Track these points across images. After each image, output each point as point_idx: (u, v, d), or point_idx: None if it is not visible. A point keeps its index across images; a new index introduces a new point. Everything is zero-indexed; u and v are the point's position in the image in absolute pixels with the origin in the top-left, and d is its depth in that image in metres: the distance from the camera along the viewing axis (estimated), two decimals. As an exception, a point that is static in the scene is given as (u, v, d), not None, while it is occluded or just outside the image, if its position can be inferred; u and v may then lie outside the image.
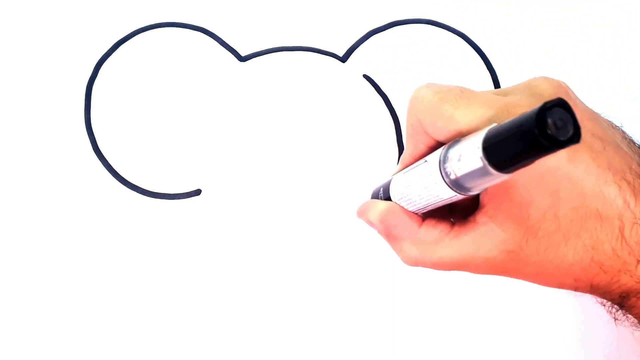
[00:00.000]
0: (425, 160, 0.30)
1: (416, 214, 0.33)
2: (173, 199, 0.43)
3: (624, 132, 0.34)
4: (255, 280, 0.42)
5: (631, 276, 0.30)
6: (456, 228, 0.32)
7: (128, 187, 0.43)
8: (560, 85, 0.32)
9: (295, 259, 0.42)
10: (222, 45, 0.47)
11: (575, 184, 0.29)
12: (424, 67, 0.47)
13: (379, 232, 0.35)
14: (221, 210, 0.43)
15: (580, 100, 0.33)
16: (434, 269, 0.33)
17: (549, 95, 0.31)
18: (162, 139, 0.44)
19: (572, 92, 0.33)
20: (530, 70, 0.47)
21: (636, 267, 0.30)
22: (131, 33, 0.46)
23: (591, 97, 0.47)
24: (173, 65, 0.46)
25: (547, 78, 0.32)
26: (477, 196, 0.31)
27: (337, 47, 0.47)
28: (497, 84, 0.47)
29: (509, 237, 0.31)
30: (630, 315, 0.34)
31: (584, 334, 0.41)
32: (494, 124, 0.27)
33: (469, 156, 0.27)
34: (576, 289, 0.32)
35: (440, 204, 0.31)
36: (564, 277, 0.32)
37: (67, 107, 0.45)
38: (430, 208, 0.32)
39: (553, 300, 0.41)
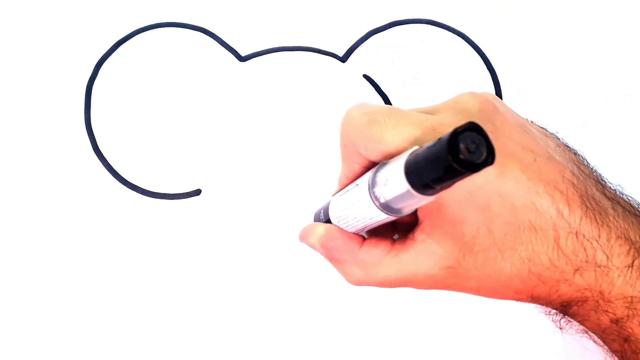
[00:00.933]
0: (357, 184, 0.31)
1: (357, 234, 0.34)
2: (173, 199, 0.43)
3: (558, 139, 0.34)
4: (255, 280, 0.42)
5: (570, 285, 0.31)
6: (396, 246, 0.32)
7: (128, 187, 0.43)
8: (487, 100, 0.32)
9: (295, 259, 0.42)
10: (222, 45, 0.47)
11: (505, 199, 0.29)
12: (424, 67, 0.47)
13: (322, 254, 0.35)
14: (221, 210, 0.43)
15: (512, 112, 0.33)
16: (379, 287, 0.33)
17: (476, 111, 0.31)
18: (162, 139, 0.44)
19: (502, 105, 0.33)
20: (531, 70, 0.47)
21: (574, 276, 0.30)
22: (131, 33, 0.46)
23: (591, 97, 0.47)
24: (173, 65, 0.46)
25: (474, 94, 0.32)
26: (416, 211, 0.32)
27: (337, 47, 0.47)
28: (497, 84, 0.47)
29: (446, 253, 0.31)
30: (575, 322, 0.34)
31: (530, 344, 0.41)
32: (416, 147, 0.27)
33: (394, 180, 0.27)
34: (518, 300, 0.32)
35: (378, 224, 0.31)
36: (504, 290, 0.32)
37: (67, 107, 0.45)
38: (369, 228, 0.32)
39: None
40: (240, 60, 0.46)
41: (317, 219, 0.38)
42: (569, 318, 0.33)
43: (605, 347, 0.34)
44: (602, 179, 0.34)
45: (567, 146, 0.35)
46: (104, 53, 0.46)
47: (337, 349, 0.41)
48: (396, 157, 0.28)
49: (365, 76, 0.46)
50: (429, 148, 0.25)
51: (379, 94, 0.46)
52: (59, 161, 0.43)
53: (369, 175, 0.30)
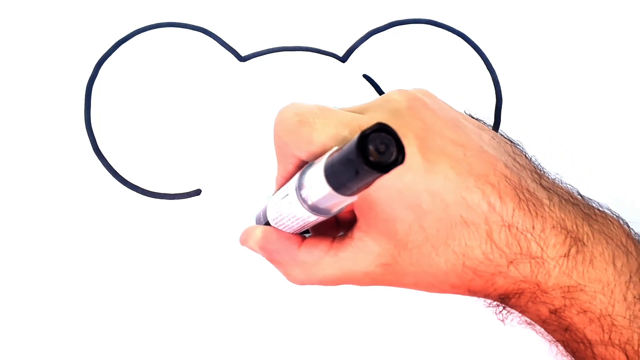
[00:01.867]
0: (287, 187, 0.31)
1: (297, 234, 0.34)
2: (173, 199, 0.43)
3: (494, 133, 0.34)
4: (255, 280, 0.42)
5: (505, 278, 0.30)
6: (335, 245, 0.32)
7: (128, 187, 0.43)
8: (415, 97, 0.32)
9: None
10: (222, 45, 0.47)
11: (435, 196, 0.29)
12: (424, 67, 0.47)
13: (263, 256, 0.35)
14: (221, 210, 0.43)
15: (444, 107, 0.33)
16: (321, 285, 0.34)
17: (404, 109, 0.31)
18: (162, 139, 0.44)
19: (433, 101, 0.32)
20: (531, 70, 0.47)
21: (508, 268, 0.30)
22: (131, 33, 0.46)
23: (591, 96, 0.47)
24: (173, 66, 0.46)
25: (403, 91, 0.32)
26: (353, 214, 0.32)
27: (337, 47, 0.47)
28: (497, 84, 0.47)
29: (382, 251, 0.31)
30: (517, 313, 0.33)
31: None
32: (335, 148, 0.27)
33: (316, 183, 0.27)
34: (456, 293, 0.33)
35: (314, 224, 0.32)
36: (441, 285, 0.32)
37: (67, 107, 0.45)
38: (307, 227, 0.32)
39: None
40: (240, 60, 0.46)
41: (258, 220, 0.38)
42: (510, 309, 0.33)
43: (549, 336, 0.34)
44: (539, 169, 0.34)
45: (505, 138, 0.35)
46: (104, 53, 0.46)
47: (336, 349, 0.41)
48: (320, 158, 0.28)
49: (365, 76, 0.46)
50: (342, 150, 0.25)
51: (379, 94, 0.46)
52: (59, 161, 0.43)
53: (296, 177, 0.30)
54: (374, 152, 0.23)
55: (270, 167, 0.44)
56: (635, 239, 0.33)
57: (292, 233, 0.34)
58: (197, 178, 0.44)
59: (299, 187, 0.29)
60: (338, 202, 0.28)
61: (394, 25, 0.48)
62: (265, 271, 0.42)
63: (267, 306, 0.41)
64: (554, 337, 0.33)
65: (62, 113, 0.44)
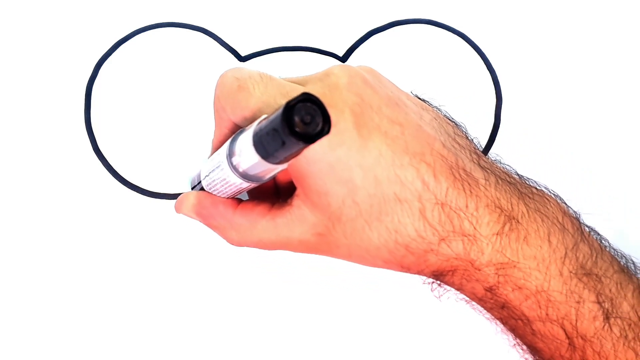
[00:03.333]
0: (218, 154, 0.31)
1: (232, 198, 0.34)
2: (173, 199, 0.43)
3: (438, 112, 0.34)
4: (255, 281, 0.42)
5: (437, 255, 0.31)
6: (273, 211, 0.33)
7: (128, 187, 0.43)
8: (357, 74, 0.31)
9: (295, 259, 0.42)
10: (222, 45, 0.47)
11: (368, 171, 0.29)
12: (424, 67, 0.47)
13: (200, 221, 0.35)
14: (221, 210, 0.43)
15: (386, 85, 0.33)
16: (258, 248, 0.34)
17: (343, 84, 0.30)
18: (163, 139, 0.44)
19: (375, 78, 0.32)
20: (531, 70, 0.47)
21: (439, 245, 0.30)
22: (131, 33, 0.46)
23: (591, 96, 0.47)
24: (173, 66, 0.46)
25: (344, 67, 0.31)
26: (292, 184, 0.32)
27: (337, 47, 0.47)
28: (497, 84, 0.47)
29: (317, 221, 0.31)
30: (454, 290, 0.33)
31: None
32: (264, 116, 0.27)
33: (246, 150, 0.27)
34: (389, 268, 0.33)
35: (247, 189, 0.32)
36: (373, 259, 0.32)
37: (67, 107, 0.45)
38: (242, 192, 0.32)
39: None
40: (240, 60, 0.46)
41: (192, 184, 0.37)
42: (445, 287, 0.33)
43: (488, 314, 0.34)
44: (477, 149, 0.34)
45: (448, 118, 0.35)
46: (104, 53, 0.46)
47: (336, 349, 0.41)
48: (250, 125, 0.28)
49: (365, 76, 0.46)
50: (269, 119, 0.25)
51: (379, 94, 0.46)
52: (59, 161, 0.43)
53: (227, 144, 0.30)
54: (299, 123, 0.23)
55: (270, 167, 0.44)
56: (572, 216, 0.33)
57: (227, 198, 0.34)
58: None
59: (230, 155, 0.29)
60: (267, 170, 0.28)
61: (394, 25, 0.48)
62: (265, 271, 0.42)
63: (266, 306, 0.41)
64: (492, 315, 0.33)
65: (62, 113, 0.44)
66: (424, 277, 0.33)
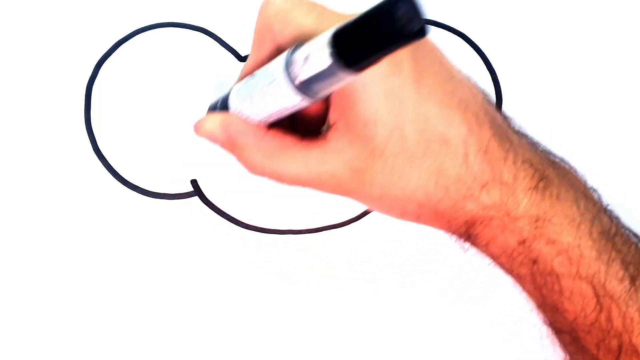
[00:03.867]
0: (267, 68, 0.29)
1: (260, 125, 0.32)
2: (173, 199, 0.43)
3: (472, 81, 0.34)
4: (255, 281, 0.42)
5: (475, 201, 0.30)
6: (305, 141, 0.31)
7: (128, 187, 0.43)
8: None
9: (295, 259, 0.42)
10: (222, 45, 0.47)
11: (419, 106, 0.29)
12: (424, 67, 0.47)
13: (222, 144, 0.33)
14: (220, 210, 0.43)
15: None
16: (279, 181, 0.32)
17: None
18: (162, 139, 0.44)
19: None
20: (531, 70, 0.47)
21: (480, 192, 0.30)
22: (131, 33, 0.46)
23: (591, 97, 0.47)
24: (173, 66, 0.46)
25: None
26: (325, 116, 0.31)
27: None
28: (497, 84, 0.47)
29: (355, 155, 0.30)
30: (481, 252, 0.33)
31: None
32: (342, 22, 0.26)
33: (316, 56, 0.26)
34: (419, 217, 0.32)
35: (284, 113, 0.30)
36: (407, 202, 0.31)
37: (67, 107, 0.45)
38: (274, 118, 0.31)
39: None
40: (240, 60, 0.46)
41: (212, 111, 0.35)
42: (472, 242, 0.33)
43: (512, 274, 0.33)
44: (507, 117, 0.34)
45: (479, 88, 0.35)
46: (104, 53, 0.46)
47: (336, 349, 0.41)
48: (318, 36, 0.26)
49: (365, 76, 0.46)
50: (361, 16, 0.24)
51: (379, 94, 0.46)
52: (59, 161, 0.43)
53: (284, 55, 0.28)
54: (399, 20, 0.22)
55: (270, 167, 0.44)
56: (592, 189, 0.33)
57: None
58: (197, 178, 0.44)
59: (289, 64, 0.27)
60: (333, 82, 0.26)
61: (394, 25, 0.48)
62: (265, 271, 0.42)
63: (266, 306, 0.41)
64: (519, 274, 0.33)
65: (62, 113, 0.44)
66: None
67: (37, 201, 0.42)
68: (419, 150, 0.30)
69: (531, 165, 0.31)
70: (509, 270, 0.33)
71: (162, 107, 0.45)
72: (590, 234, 0.30)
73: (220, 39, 0.47)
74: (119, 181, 0.43)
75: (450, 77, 0.31)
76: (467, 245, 0.33)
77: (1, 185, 0.43)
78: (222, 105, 0.33)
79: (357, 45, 0.24)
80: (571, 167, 0.34)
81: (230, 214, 0.43)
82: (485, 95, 0.33)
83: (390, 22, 0.22)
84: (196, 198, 0.43)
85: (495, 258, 0.33)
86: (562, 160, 0.34)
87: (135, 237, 0.42)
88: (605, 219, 0.32)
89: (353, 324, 0.41)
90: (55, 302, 0.40)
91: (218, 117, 0.33)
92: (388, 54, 0.24)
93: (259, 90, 0.30)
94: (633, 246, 0.31)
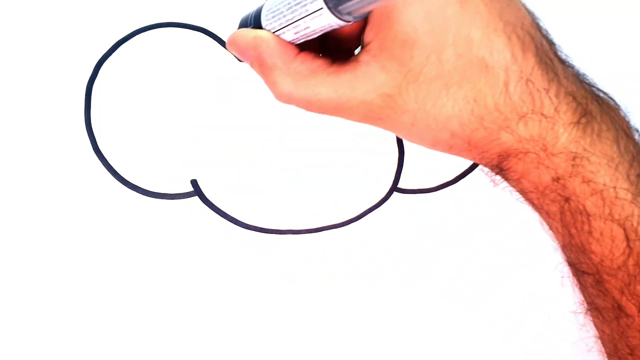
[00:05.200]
0: None
1: (293, 45, 0.31)
2: (173, 199, 0.43)
3: (521, 1, 0.33)
4: (255, 281, 0.42)
5: (511, 134, 0.29)
6: (336, 65, 0.30)
7: (128, 187, 0.43)
8: None
9: (295, 259, 0.42)
10: (222, 46, 0.47)
11: (462, 27, 0.28)
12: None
13: (251, 62, 0.32)
14: (220, 210, 0.43)
15: None
16: (307, 109, 0.31)
17: None
18: (162, 139, 0.44)
19: None
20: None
21: (517, 124, 0.29)
22: (131, 33, 0.46)
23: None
24: (173, 66, 0.46)
25: None
26: (360, 36, 0.30)
27: (337, 47, 0.47)
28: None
29: (389, 79, 0.29)
30: (510, 186, 0.32)
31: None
32: None
33: None
34: (451, 147, 0.31)
35: (317, 33, 0.29)
36: (439, 131, 0.30)
37: (67, 107, 0.45)
38: (305, 39, 0.30)
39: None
40: (240, 60, 0.46)
41: (243, 26, 0.34)
42: (503, 175, 0.32)
43: (541, 210, 0.32)
44: (555, 44, 0.33)
45: (528, 9, 0.34)
46: (104, 53, 0.46)
47: (336, 349, 0.41)
48: None
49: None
50: None
51: (379, 94, 0.46)
52: (59, 161, 0.43)
53: None
54: None
55: (270, 167, 0.44)
56: (632, 128, 0.32)
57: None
58: (197, 178, 0.44)
59: None
60: (372, 0, 0.25)
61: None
62: (265, 271, 0.42)
63: (266, 306, 0.41)
64: (549, 211, 0.31)
65: (62, 113, 0.44)
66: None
67: (37, 201, 0.42)
68: (456, 76, 0.28)
69: (574, 98, 0.29)
70: (538, 207, 0.32)
71: (162, 107, 0.45)
72: (628, 175, 0.29)
73: (220, 39, 0.47)
74: (119, 181, 0.43)
75: None
76: (498, 178, 0.31)
77: (1, 185, 0.42)
78: (255, 20, 0.32)
79: None
80: (616, 104, 0.32)
81: (230, 214, 0.43)
82: (534, 18, 0.31)
83: None
84: (196, 198, 0.43)
85: (525, 193, 0.31)
86: (607, 95, 0.32)
87: (135, 237, 0.42)
88: None
89: (353, 324, 0.41)
90: (55, 301, 0.40)
91: (250, 33, 0.32)
92: None
93: (290, 6, 0.29)
94: None
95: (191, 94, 0.45)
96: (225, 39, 0.46)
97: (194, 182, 0.44)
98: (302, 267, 0.42)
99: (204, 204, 0.43)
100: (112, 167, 0.43)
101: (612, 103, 0.32)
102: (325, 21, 0.28)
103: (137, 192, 0.43)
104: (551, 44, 0.32)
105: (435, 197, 0.43)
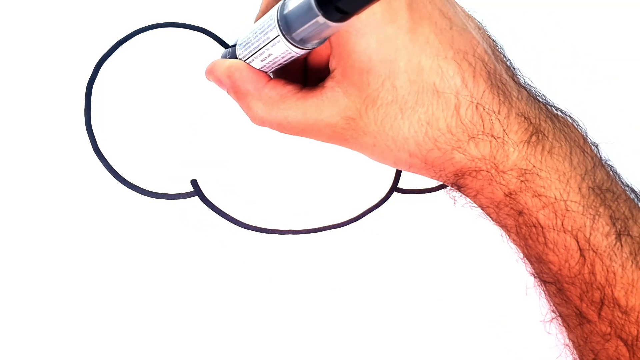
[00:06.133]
0: (267, 16, 0.30)
1: (264, 72, 0.34)
2: (173, 199, 0.43)
3: (480, 24, 0.35)
4: (255, 281, 0.42)
5: (464, 153, 0.31)
6: (304, 91, 0.32)
7: (128, 187, 0.43)
8: None
9: (295, 260, 0.42)
10: (222, 45, 0.47)
11: (413, 56, 0.30)
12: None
13: (227, 89, 0.35)
14: (220, 210, 0.43)
15: None
16: (279, 131, 0.34)
17: None
18: (163, 139, 0.44)
19: None
20: (531, 70, 0.47)
21: (469, 144, 0.31)
22: (131, 33, 0.46)
23: (591, 97, 0.47)
24: (173, 66, 0.46)
25: None
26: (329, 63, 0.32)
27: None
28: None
29: (350, 103, 0.31)
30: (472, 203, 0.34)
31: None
32: None
33: (302, 6, 0.27)
34: (410, 166, 0.33)
35: (280, 61, 0.31)
36: (398, 151, 0.32)
37: (67, 107, 0.45)
38: (274, 66, 0.32)
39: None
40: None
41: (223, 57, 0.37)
42: (462, 192, 0.34)
43: (498, 226, 0.34)
44: (513, 68, 0.35)
45: (487, 32, 0.36)
46: (104, 53, 0.46)
47: (336, 349, 0.41)
48: None
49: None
50: None
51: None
52: (59, 161, 0.43)
53: (278, 5, 0.29)
54: None
55: (271, 167, 0.44)
56: (590, 143, 0.34)
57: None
58: (197, 178, 0.44)
59: (281, 11, 0.28)
60: (320, 30, 0.27)
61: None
62: (265, 271, 0.42)
63: (266, 305, 0.41)
64: (506, 225, 0.33)
65: (62, 113, 0.44)
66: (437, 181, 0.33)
67: (37, 201, 0.42)
68: (410, 101, 0.30)
69: (526, 119, 0.31)
70: (496, 220, 0.34)
71: (162, 107, 0.45)
72: (580, 189, 0.31)
73: (220, 39, 0.47)
74: (119, 181, 0.43)
75: (450, 26, 0.31)
76: (458, 195, 0.34)
77: (1, 185, 0.43)
78: (232, 52, 0.35)
79: None
80: (573, 121, 0.34)
81: (230, 214, 0.43)
82: (489, 46, 0.33)
83: None
84: (196, 198, 0.43)
85: (483, 208, 0.34)
86: (563, 113, 0.34)
87: (135, 237, 0.42)
88: (601, 173, 0.32)
89: (353, 324, 0.41)
90: (54, 301, 0.41)
91: (225, 63, 0.34)
92: (368, 6, 0.25)
93: (256, 34, 0.31)
94: (625, 202, 0.32)
95: (191, 94, 0.45)
96: (225, 39, 0.47)
97: (194, 182, 0.44)
98: (302, 267, 0.42)
99: (204, 204, 0.43)
100: (112, 167, 0.43)
101: (569, 120, 0.34)
102: (284, 47, 0.30)
103: (137, 192, 0.43)
104: (508, 68, 0.34)
105: (435, 197, 0.44)
